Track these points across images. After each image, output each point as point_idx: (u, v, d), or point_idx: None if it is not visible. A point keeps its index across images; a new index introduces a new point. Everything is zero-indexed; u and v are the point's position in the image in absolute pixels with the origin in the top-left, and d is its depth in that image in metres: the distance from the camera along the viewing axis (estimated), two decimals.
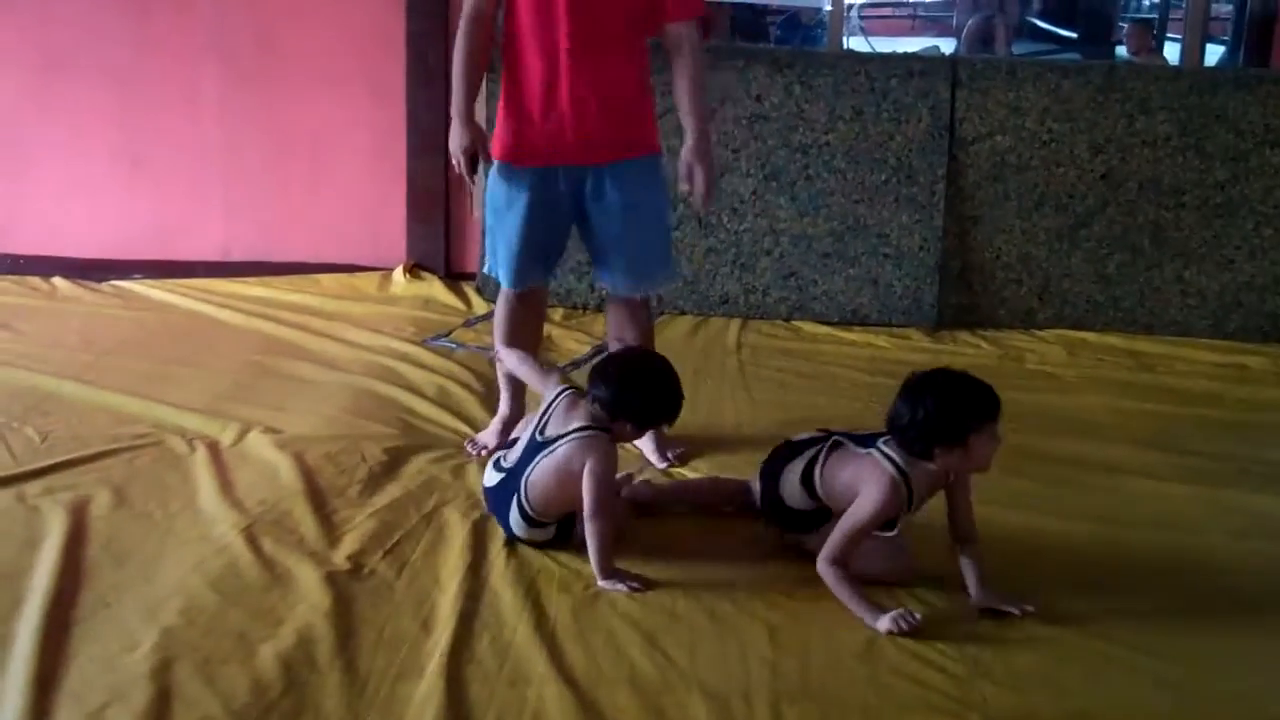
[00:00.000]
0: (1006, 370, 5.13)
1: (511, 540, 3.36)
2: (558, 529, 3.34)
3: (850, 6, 9.10)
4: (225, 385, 4.60)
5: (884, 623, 2.95)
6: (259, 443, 4.04)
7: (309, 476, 3.78)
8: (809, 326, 5.61)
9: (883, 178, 5.57)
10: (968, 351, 5.36)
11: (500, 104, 3.84)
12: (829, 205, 5.60)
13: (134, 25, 5.91)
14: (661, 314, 5.60)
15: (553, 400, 3.36)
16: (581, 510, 3.24)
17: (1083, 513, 3.76)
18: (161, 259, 6.04)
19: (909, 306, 5.62)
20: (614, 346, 4.05)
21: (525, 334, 4.06)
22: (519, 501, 3.28)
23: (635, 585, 3.15)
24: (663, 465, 3.98)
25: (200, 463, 3.87)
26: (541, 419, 3.34)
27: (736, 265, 5.68)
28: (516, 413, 4.07)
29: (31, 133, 6.04)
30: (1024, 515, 3.68)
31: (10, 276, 5.94)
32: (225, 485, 3.72)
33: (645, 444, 4.02)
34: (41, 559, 3.22)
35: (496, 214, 3.90)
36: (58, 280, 5.90)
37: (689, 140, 3.82)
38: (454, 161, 3.81)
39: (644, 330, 4.09)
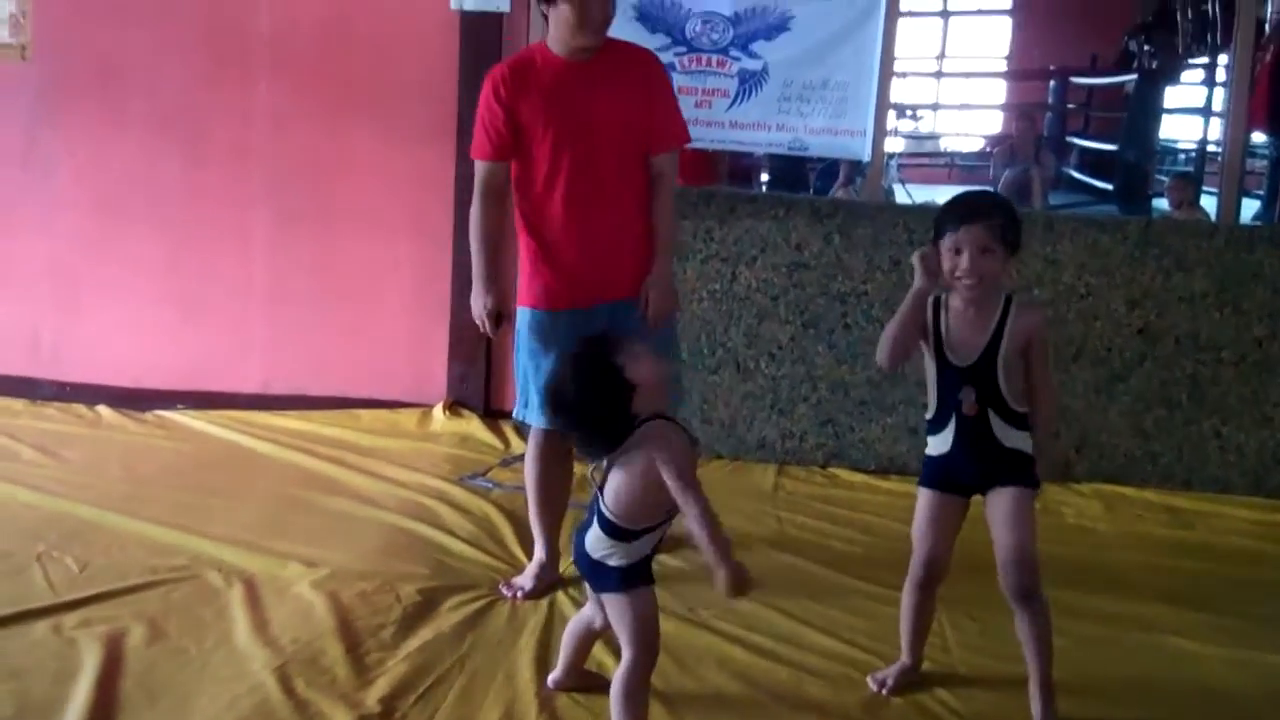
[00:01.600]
0: (1043, 524, 5.01)
1: (589, 579, 3.14)
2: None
3: (889, 156, 9.19)
4: (263, 519, 4.64)
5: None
6: (295, 579, 4.06)
7: (343, 615, 3.79)
8: (846, 473, 5.60)
9: None
10: None
11: (522, 257, 4.08)
12: (867, 354, 5.62)
13: (188, 173, 6.07)
14: (698, 457, 5.61)
15: None
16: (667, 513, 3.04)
17: (1119, 673, 3.73)
18: (204, 390, 6.12)
19: None
20: None
21: (557, 475, 4.18)
22: (600, 515, 3.03)
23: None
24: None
25: (236, 598, 3.89)
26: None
27: (774, 410, 5.70)
28: (552, 556, 4.13)
29: (83, 270, 6.19)
30: (1059, 673, 3.64)
31: (56, 403, 6.04)
32: (260, 622, 3.73)
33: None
34: (76, 693, 3.25)
35: (534, 359, 4.04)
36: (102, 408, 6.00)
37: (654, 271, 4.07)
38: (478, 322, 4.09)
39: None
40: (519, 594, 4.03)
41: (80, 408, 6.00)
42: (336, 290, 6.11)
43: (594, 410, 2.99)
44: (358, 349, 6.13)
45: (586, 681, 3.39)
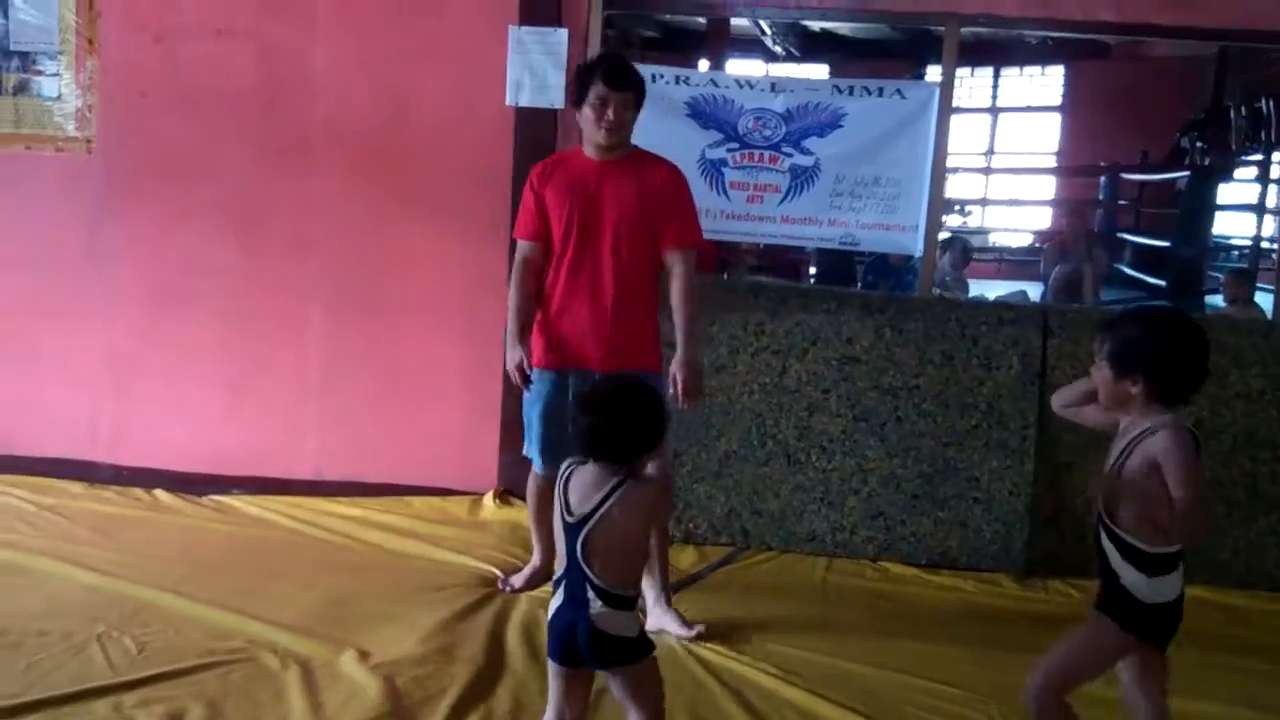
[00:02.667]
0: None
1: (599, 658, 3.07)
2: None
3: (943, 247, 9.24)
4: (317, 603, 4.68)
5: None
6: (349, 662, 4.09)
7: (397, 699, 3.83)
8: (896, 567, 5.60)
9: (973, 422, 5.62)
10: (1057, 599, 5.32)
11: (536, 321, 4.72)
12: (918, 447, 5.64)
13: (246, 265, 6.18)
14: (747, 548, 5.65)
15: (562, 482, 3.09)
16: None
17: None
18: (259, 475, 6.19)
19: (998, 551, 5.61)
20: None
21: (551, 507, 4.44)
22: (593, 589, 2.99)
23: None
24: (689, 634, 4.52)
25: (292, 680, 3.93)
26: (562, 506, 3.06)
27: (824, 503, 5.71)
28: (546, 563, 4.87)
29: (141, 358, 6.29)
30: None
31: (114, 486, 6.11)
32: (315, 705, 3.77)
33: (670, 623, 4.57)
34: None
35: (530, 407, 4.76)
36: (159, 492, 6.06)
37: (677, 353, 4.58)
38: (510, 374, 4.69)
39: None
40: (510, 587, 4.93)
41: (138, 491, 6.08)
42: (389, 379, 6.18)
43: (636, 419, 3.04)
44: (410, 437, 6.20)
45: None
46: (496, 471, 6.08)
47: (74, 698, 3.71)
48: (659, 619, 4.58)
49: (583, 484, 3.01)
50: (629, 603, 3.00)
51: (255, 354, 6.22)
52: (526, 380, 4.65)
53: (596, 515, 2.95)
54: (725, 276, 7.71)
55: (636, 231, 4.58)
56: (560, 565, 3.05)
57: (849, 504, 5.70)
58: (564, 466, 3.09)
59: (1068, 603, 5.29)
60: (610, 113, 4.48)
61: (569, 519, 3.00)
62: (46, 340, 6.30)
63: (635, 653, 3.03)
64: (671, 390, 4.52)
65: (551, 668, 3.11)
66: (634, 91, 4.54)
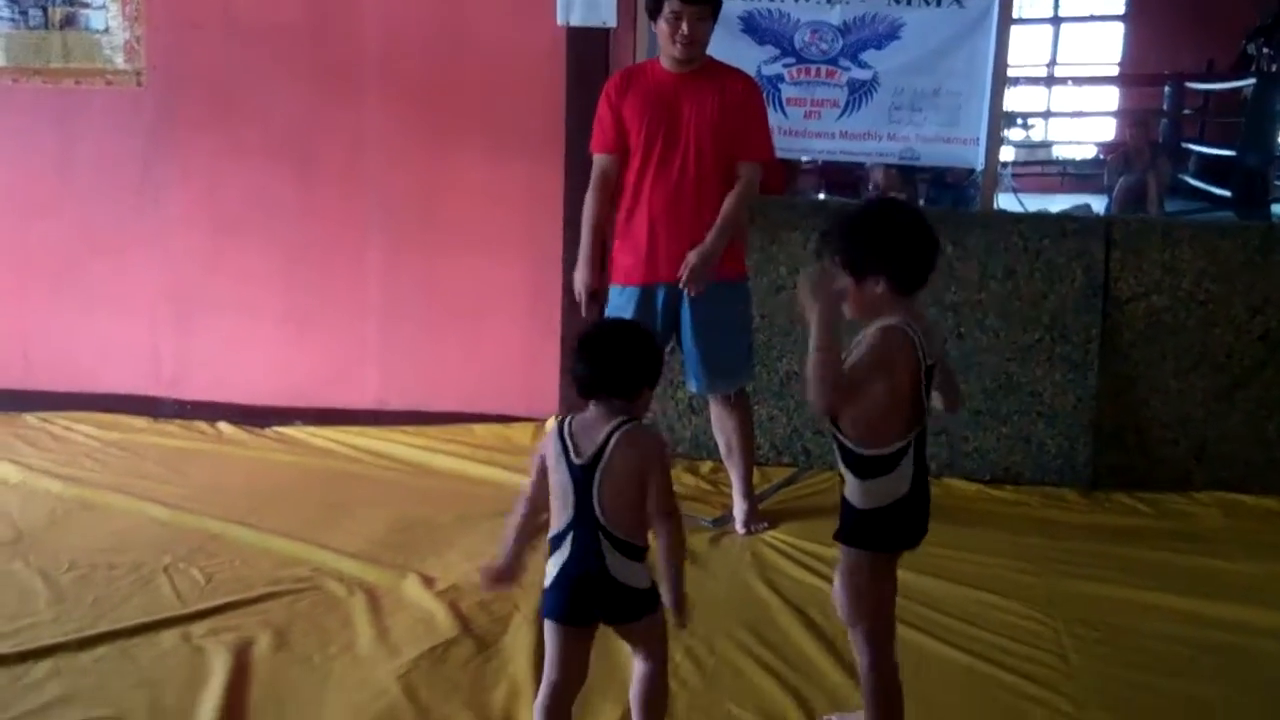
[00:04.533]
0: (1164, 532, 5.04)
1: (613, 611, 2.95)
2: None
3: (1002, 165, 9.13)
4: (382, 531, 4.71)
5: None
6: (415, 588, 4.12)
7: (464, 624, 3.85)
8: (959, 484, 5.56)
9: (1036, 336, 5.55)
10: (1122, 513, 5.28)
11: (615, 237, 4.77)
12: (981, 363, 5.58)
13: (301, 195, 6.15)
14: (809, 468, 5.62)
15: (562, 432, 2.93)
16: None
17: (1249, 682, 3.67)
18: (321, 406, 6.22)
19: (1062, 466, 5.56)
20: (717, 437, 4.98)
21: None
22: (607, 538, 2.85)
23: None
24: (742, 531, 4.81)
25: (358, 608, 3.96)
26: (569, 451, 2.89)
27: None
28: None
29: (202, 290, 6.29)
30: (1186, 683, 3.60)
31: (178, 421, 6.16)
32: (382, 631, 3.80)
33: (738, 507, 4.86)
34: (205, 699, 3.33)
35: None
36: (223, 425, 6.11)
37: (702, 242, 4.58)
38: (576, 294, 4.78)
39: (740, 421, 4.90)
40: None
41: (201, 424, 6.13)
42: (449, 307, 6.18)
43: (632, 357, 2.94)
44: (471, 364, 6.20)
45: None
46: (558, 396, 6.08)
47: (142, 629, 3.76)
48: (739, 510, 4.87)
49: (584, 427, 2.90)
50: (640, 553, 2.89)
51: (314, 284, 6.23)
52: (591, 301, 4.75)
53: (604, 458, 2.83)
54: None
55: (717, 143, 4.60)
56: (561, 520, 2.90)
57: None
58: (559, 422, 2.96)
59: (1133, 516, 5.25)
60: (685, 27, 4.48)
61: (578, 461, 2.84)
62: (104, 275, 6.33)
63: (647, 605, 2.92)
64: (680, 276, 4.59)
65: (552, 630, 2.96)
66: (708, 4, 4.52)
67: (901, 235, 2.97)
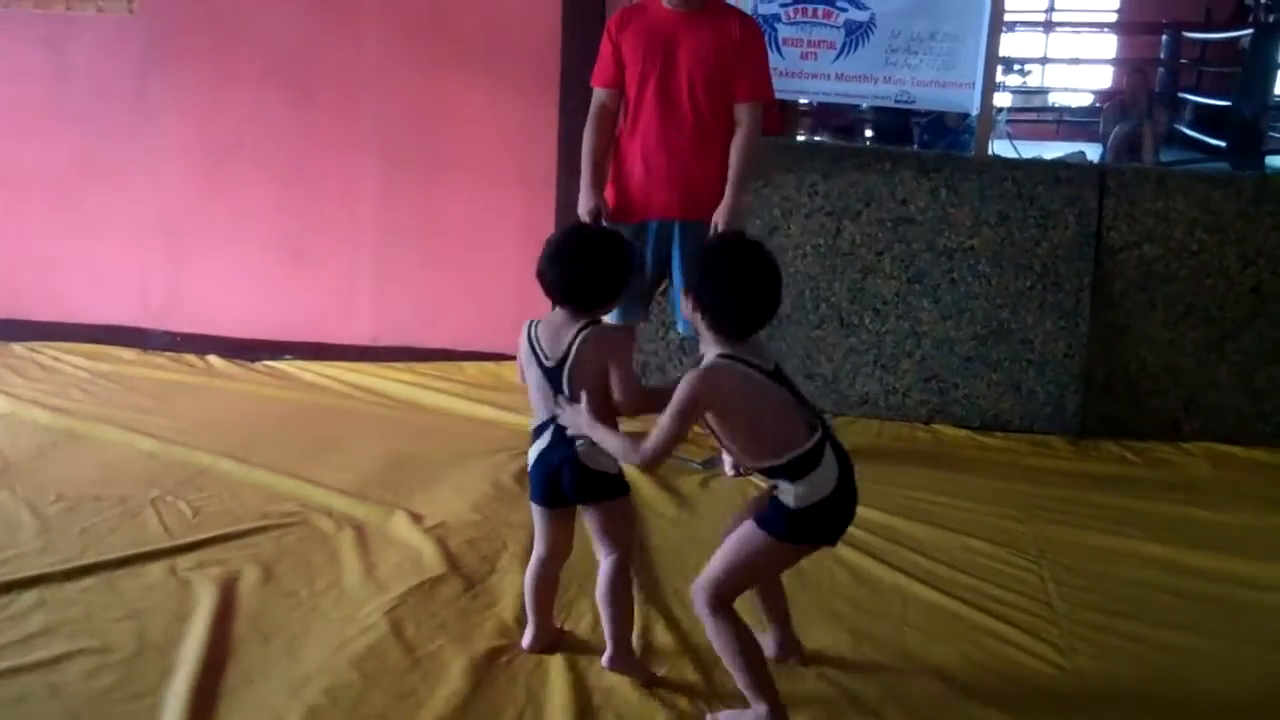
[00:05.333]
0: (1151, 481, 5.06)
1: (582, 492, 3.17)
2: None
3: (998, 110, 9.09)
4: (371, 467, 4.70)
5: None
6: (403, 525, 4.12)
7: (451, 561, 3.85)
8: (949, 430, 5.57)
9: (1027, 283, 5.54)
10: (1110, 461, 5.29)
11: (610, 173, 4.78)
12: (972, 309, 5.58)
13: (297, 119, 6.11)
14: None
15: (530, 336, 3.18)
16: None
17: (1233, 632, 3.68)
18: (313, 341, 6.20)
19: (1051, 414, 5.57)
20: None
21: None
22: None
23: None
24: (731, 474, 4.82)
25: (346, 543, 3.96)
26: (538, 354, 3.13)
27: (877, 366, 5.67)
28: None
29: (194, 218, 6.27)
30: (1174, 634, 3.61)
31: (168, 353, 6.15)
32: (369, 567, 3.80)
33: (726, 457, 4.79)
34: (191, 631, 3.32)
35: None
36: (213, 358, 6.10)
37: (723, 201, 4.61)
38: (583, 218, 4.70)
39: None
40: None
41: (191, 357, 6.12)
42: (443, 240, 6.16)
43: (602, 270, 3.15)
44: (464, 301, 6.19)
45: (560, 639, 3.41)
46: None
47: (129, 560, 3.75)
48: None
49: (551, 330, 3.14)
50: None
51: (307, 217, 6.20)
52: (598, 224, 4.73)
53: (571, 355, 3.07)
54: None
55: (712, 82, 4.60)
56: (541, 413, 3.17)
57: (902, 367, 5.66)
58: (527, 325, 3.22)
59: (1122, 464, 5.27)
60: None
61: (547, 364, 3.11)
62: (95, 203, 6.30)
63: (615, 489, 3.19)
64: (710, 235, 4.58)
65: (536, 511, 3.27)
66: None
67: (734, 284, 2.89)
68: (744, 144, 4.63)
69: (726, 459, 4.86)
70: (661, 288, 4.92)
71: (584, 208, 4.72)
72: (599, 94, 4.77)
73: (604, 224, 4.62)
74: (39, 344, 6.17)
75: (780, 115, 6.15)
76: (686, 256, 4.65)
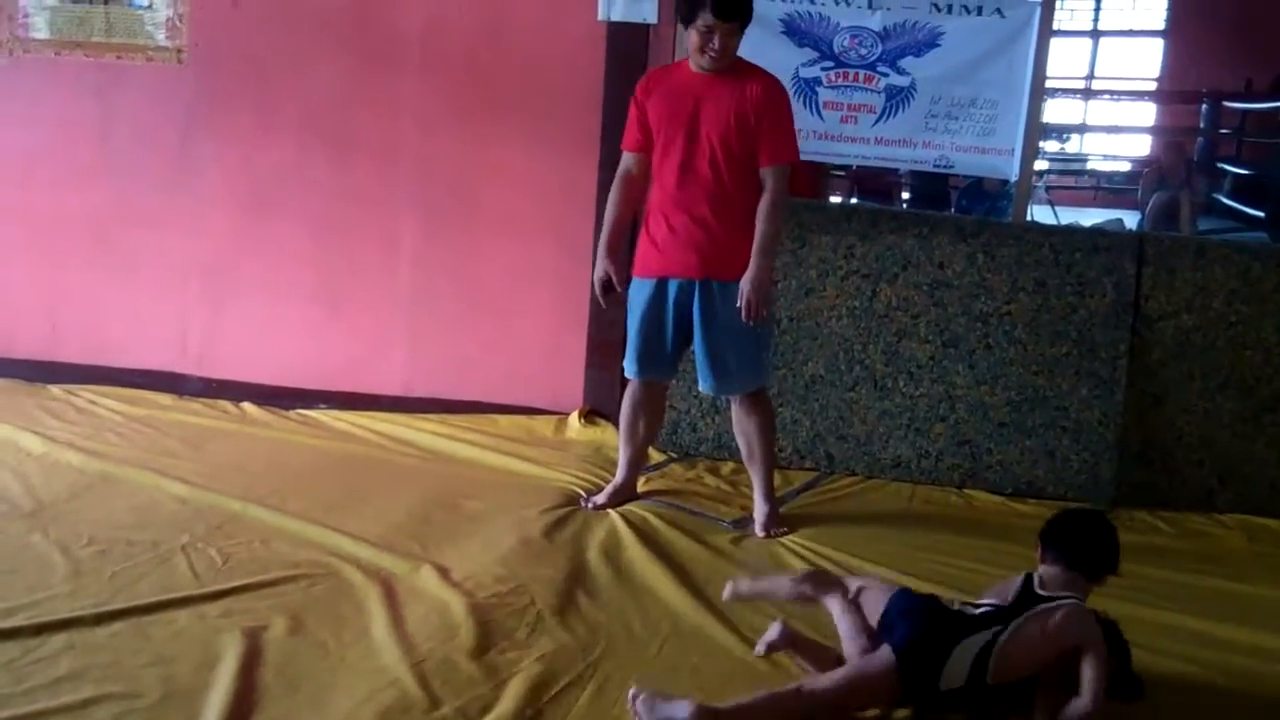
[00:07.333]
0: (1184, 552, 5.01)
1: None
2: None
3: (1037, 176, 9.09)
4: (401, 518, 4.70)
5: None
6: (431, 579, 4.11)
7: (479, 616, 3.83)
8: (981, 495, 5.54)
9: (1063, 350, 5.53)
10: (1144, 531, 5.25)
11: (640, 232, 4.85)
12: (1007, 375, 5.56)
13: (337, 176, 6.16)
14: (831, 474, 5.61)
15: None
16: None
17: (1265, 708, 3.64)
18: (346, 390, 6.22)
19: (1085, 482, 5.53)
20: (738, 438, 4.96)
21: (644, 418, 5.06)
22: (980, 650, 3.28)
23: None
24: (761, 535, 4.81)
25: (374, 595, 3.95)
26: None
27: (910, 429, 5.65)
28: (630, 479, 5.13)
29: (233, 268, 6.32)
30: (1203, 706, 3.58)
31: (203, 399, 6.18)
32: (397, 619, 3.78)
33: (759, 510, 4.88)
34: (217, 680, 3.31)
35: (629, 315, 4.89)
36: (247, 405, 6.12)
37: (748, 270, 4.60)
38: (594, 284, 4.87)
39: (760, 423, 4.88)
40: (592, 505, 4.96)
41: (226, 404, 6.15)
42: (478, 294, 6.18)
43: None
44: (497, 355, 6.20)
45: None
46: (582, 390, 6.08)
47: (158, 606, 3.74)
48: (760, 512, 4.89)
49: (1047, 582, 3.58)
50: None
51: (345, 268, 6.24)
52: (607, 294, 4.85)
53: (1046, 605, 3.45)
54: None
55: (734, 144, 4.61)
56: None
57: (935, 430, 5.64)
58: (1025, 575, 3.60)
59: (1156, 534, 5.22)
60: (715, 41, 4.52)
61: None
62: (137, 249, 6.35)
63: None
64: (738, 305, 4.60)
65: None
66: (740, 20, 4.55)
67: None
68: (768, 209, 4.63)
69: (758, 518, 4.84)
70: (689, 348, 4.90)
71: (597, 274, 4.83)
72: (625, 158, 4.86)
73: (615, 290, 4.82)
74: (76, 386, 6.21)
75: (811, 177, 6.17)
76: (705, 318, 4.70)
